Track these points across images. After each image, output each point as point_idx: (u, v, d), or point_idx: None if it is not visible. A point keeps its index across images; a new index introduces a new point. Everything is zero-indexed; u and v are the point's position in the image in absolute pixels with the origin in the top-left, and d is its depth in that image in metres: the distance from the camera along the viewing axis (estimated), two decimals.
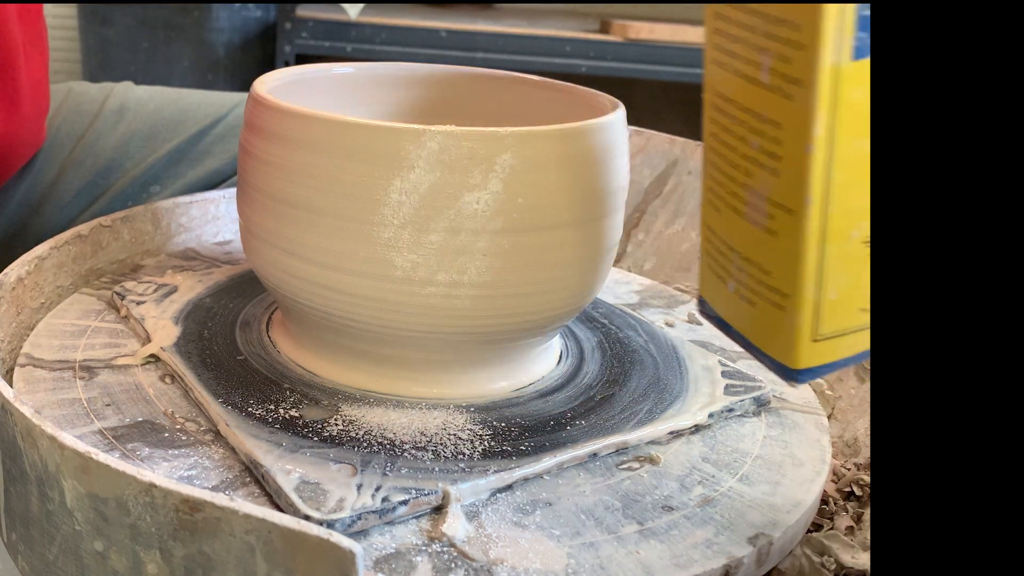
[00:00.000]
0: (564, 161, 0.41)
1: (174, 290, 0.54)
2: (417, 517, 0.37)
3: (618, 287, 0.62)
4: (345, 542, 0.27)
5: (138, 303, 0.52)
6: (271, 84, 0.48)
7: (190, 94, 0.79)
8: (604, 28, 1.78)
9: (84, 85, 0.80)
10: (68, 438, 0.31)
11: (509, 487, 0.39)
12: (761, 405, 0.47)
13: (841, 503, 0.45)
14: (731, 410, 0.46)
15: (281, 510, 0.36)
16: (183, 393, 0.45)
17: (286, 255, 0.43)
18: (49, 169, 0.74)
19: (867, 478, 0.46)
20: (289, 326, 0.48)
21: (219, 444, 0.41)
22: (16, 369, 0.46)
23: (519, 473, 0.39)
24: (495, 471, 0.39)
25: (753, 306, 0.36)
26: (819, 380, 0.53)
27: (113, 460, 0.30)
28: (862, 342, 0.35)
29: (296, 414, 0.42)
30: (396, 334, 0.42)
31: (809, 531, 0.42)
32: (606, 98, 0.47)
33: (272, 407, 0.42)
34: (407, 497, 0.37)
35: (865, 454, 0.48)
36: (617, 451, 0.42)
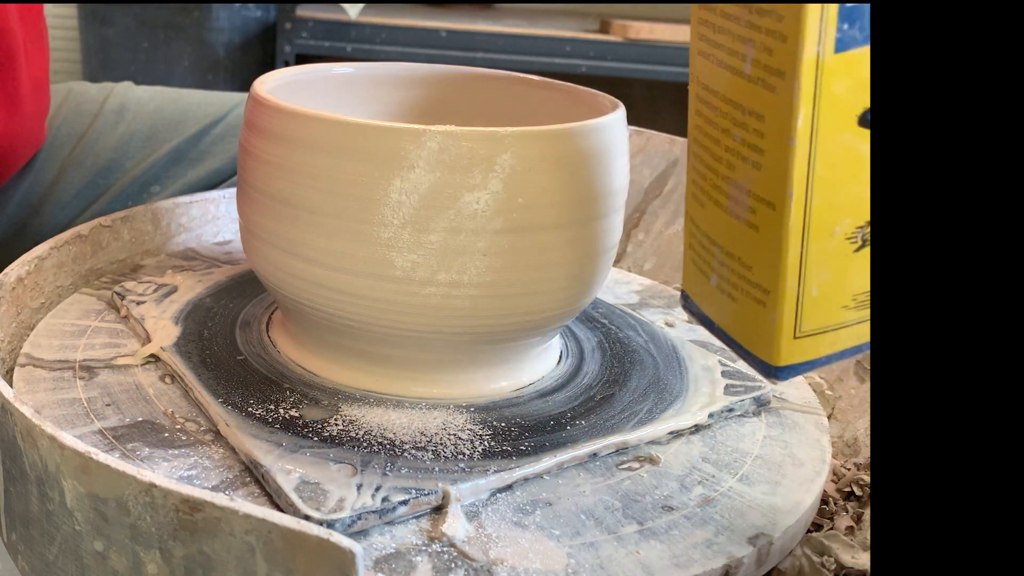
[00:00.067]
0: (564, 161, 0.41)
1: (174, 290, 0.54)
2: (417, 517, 0.37)
3: (618, 287, 0.62)
4: (345, 542, 0.27)
5: (138, 303, 0.52)
6: (271, 84, 0.48)
7: (190, 94, 0.79)
8: (604, 28, 1.78)
9: (84, 85, 0.80)
10: (68, 438, 0.31)
11: (509, 487, 0.39)
12: (761, 405, 0.47)
13: (841, 503, 0.45)
14: (731, 410, 0.46)
15: (281, 510, 0.36)
16: (183, 393, 0.45)
17: (286, 255, 0.43)
18: (49, 169, 0.74)
19: (867, 478, 0.46)
20: (289, 326, 0.48)
21: (219, 444, 0.41)
22: (16, 369, 0.46)
23: (519, 473, 0.39)
24: (495, 471, 0.39)
25: (735, 301, 0.36)
26: (819, 380, 0.53)
27: (113, 460, 0.30)
28: (844, 339, 0.35)
29: (296, 414, 0.42)
30: (396, 334, 0.42)
31: (809, 531, 0.42)
32: (606, 98, 0.47)
33: (272, 407, 0.42)
34: (407, 497, 0.37)
35: (865, 454, 0.48)
36: (617, 451, 0.42)
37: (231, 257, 0.61)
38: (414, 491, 0.37)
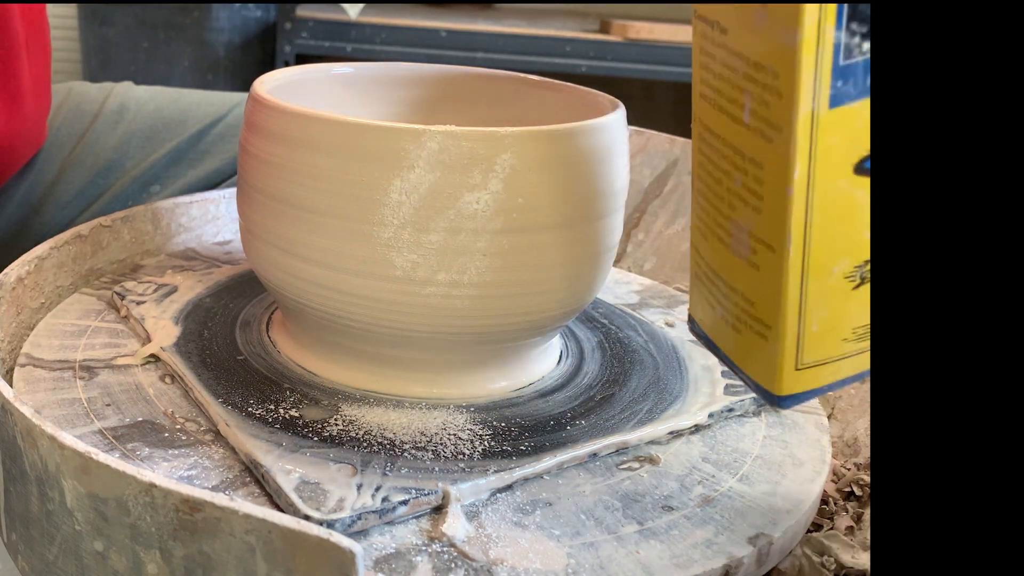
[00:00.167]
0: (564, 161, 0.41)
1: (174, 290, 0.54)
2: (417, 517, 0.37)
3: (618, 287, 0.62)
4: (345, 542, 0.27)
5: (138, 303, 0.52)
6: (271, 84, 0.48)
7: (190, 94, 0.79)
8: (604, 28, 1.78)
9: (84, 85, 0.80)
10: (68, 438, 0.31)
11: (509, 487, 0.39)
12: (761, 405, 0.47)
13: (841, 503, 0.45)
14: (731, 410, 0.46)
15: (281, 510, 0.36)
16: (183, 393, 0.45)
17: (286, 255, 0.43)
18: (49, 169, 0.74)
19: (867, 478, 0.46)
20: (289, 326, 0.48)
21: (219, 444, 0.41)
22: (16, 369, 0.46)
23: (519, 473, 0.39)
24: (495, 471, 0.39)
25: (738, 333, 0.36)
26: None
27: (113, 460, 0.30)
28: (845, 369, 0.35)
29: (296, 414, 0.42)
30: (396, 334, 0.42)
31: (809, 531, 0.42)
32: (606, 98, 0.47)
33: (272, 407, 0.42)
34: (407, 497, 0.37)
35: (865, 454, 0.48)
36: (617, 451, 0.42)
37: (231, 257, 0.61)
38: (414, 491, 0.37)
